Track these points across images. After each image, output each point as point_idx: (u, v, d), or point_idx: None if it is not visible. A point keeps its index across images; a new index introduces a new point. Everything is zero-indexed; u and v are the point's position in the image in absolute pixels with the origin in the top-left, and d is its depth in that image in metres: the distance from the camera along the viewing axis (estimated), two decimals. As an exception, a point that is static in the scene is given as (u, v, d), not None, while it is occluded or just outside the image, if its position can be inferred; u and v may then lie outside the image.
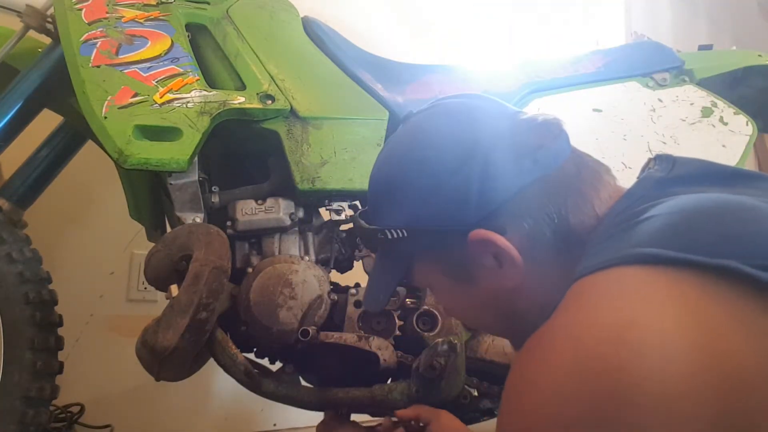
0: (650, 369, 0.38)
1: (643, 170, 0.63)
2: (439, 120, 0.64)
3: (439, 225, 0.60)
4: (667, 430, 0.37)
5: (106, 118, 0.90)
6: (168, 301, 0.89)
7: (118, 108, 0.92)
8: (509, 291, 0.59)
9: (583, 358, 0.41)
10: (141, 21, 1.01)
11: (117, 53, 0.96)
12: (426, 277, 0.66)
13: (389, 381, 0.94)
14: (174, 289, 0.90)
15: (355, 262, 1.07)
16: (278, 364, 1.00)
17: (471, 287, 0.61)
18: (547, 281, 0.58)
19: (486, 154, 0.58)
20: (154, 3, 1.04)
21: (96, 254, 1.51)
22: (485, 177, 0.57)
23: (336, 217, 1.06)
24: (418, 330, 0.93)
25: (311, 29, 1.14)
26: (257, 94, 1.01)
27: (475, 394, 0.95)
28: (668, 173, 0.56)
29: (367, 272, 1.04)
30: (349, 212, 1.08)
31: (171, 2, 1.06)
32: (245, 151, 1.11)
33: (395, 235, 0.62)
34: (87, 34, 0.97)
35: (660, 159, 0.59)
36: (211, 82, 1.03)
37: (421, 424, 0.86)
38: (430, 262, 0.64)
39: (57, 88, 1.07)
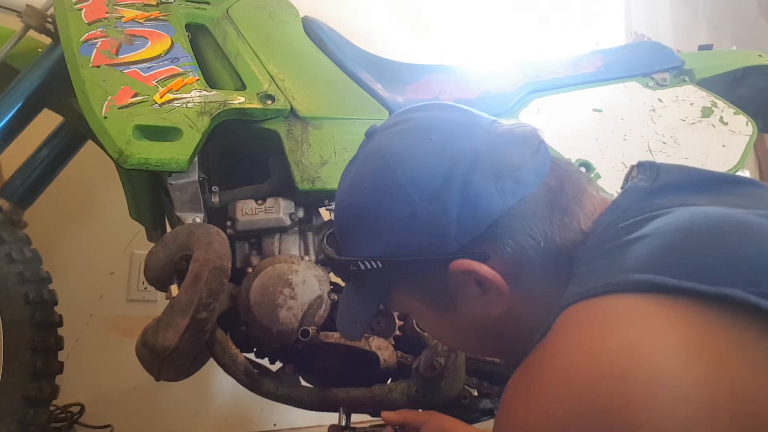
0: (657, 408, 0.35)
1: (626, 179, 0.61)
2: (411, 140, 0.58)
3: (416, 255, 0.55)
4: None
5: (106, 118, 0.90)
6: (168, 301, 0.89)
7: (118, 108, 0.92)
8: (496, 317, 0.56)
9: (577, 396, 0.38)
10: (141, 21, 1.01)
11: (117, 53, 0.96)
12: (405, 305, 0.63)
13: (389, 381, 0.94)
14: (174, 289, 0.90)
15: (355, 262, 1.07)
16: (278, 364, 1.00)
17: (454, 315, 0.58)
18: (537, 304, 0.55)
19: (464, 178, 0.54)
20: (154, 3, 1.04)
21: (96, 254, 1.51)
22: (464, 203, 0.53)
23: (336, 217, 1.06)
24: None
25: (311, 29, 1.14)
26: (257, 94, 1.01)
27: (475, 394, 0.95)
28: (653, 183, 0.54)
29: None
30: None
31: (171, 2, 1.06)
32: (245, 151, 1.11)
33: (369, 266, 0.58)
34: (87, 34, 0.97)
35: (643, 167, 0.57)
36: (211, 82, 1.03)
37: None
38: (409, 291, 0.60)
39: (57, 88, 1.07)
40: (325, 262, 0.66)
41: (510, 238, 0.54)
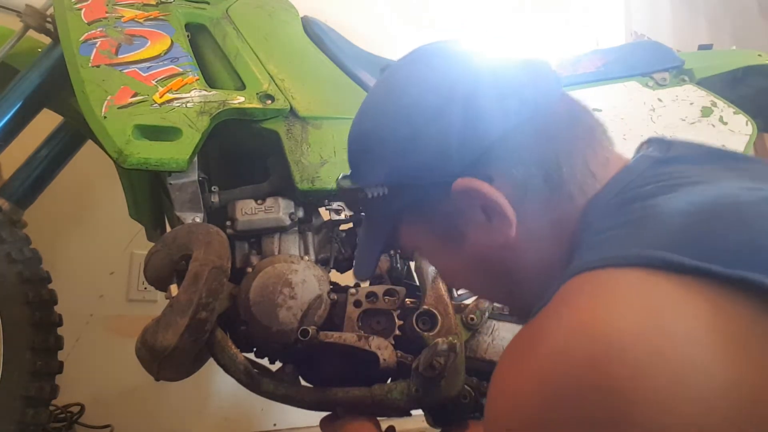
0: (654, 393, 0.34)
1: (637, 152, 0.58)
2: (416, 66, 0.58)
3: (420, 178, 0.55)
4: None
5: (105, 117, 0.90)
6: (168, 301, 0.89)
7: (118, 108, 0.92)
8: (500, 248, 0.54)
9: (572, 369, 0.37)
10: (140, 21, 1.01)
11: (117, 53, 0.96)
12: (413, 238, 0.61)
13: (389, 381, 0.94)
14: (174, 288, 0.90)
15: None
16: (278, 364, 1.00)
17: (460, 246, 0.57)
18: (541, 239, 0.53)
19: (467, 95, 0.53)
20: (154, 3, 1.04)
21: (96, 254, 1.51)
22: (467, 120, 0.52)
23: (336, 217, 1.06)
24: (418, 330, 0.93)
25: (311, 29, 1.14)
26: (257, 93, 1.01)
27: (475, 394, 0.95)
28: (666, 153, 0.53)
29: (366, 272, 1.04)
30: (349, 212, 1.08)
31: (170, 2, 1.06)
32: (245, 151, 1.11)
33: (376, 194, 0.57)
34: (86, 33, 0.97)
35: (654, 141, 0.56)
36: (210, 82, 1.03)
37: None
38: (416, 220, 0.59)
39: (57, 88, 1.07)
40: (340, 196, 0.68)
41: (514, 161, 0.52)
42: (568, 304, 0.41)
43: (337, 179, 0.67)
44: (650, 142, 0.57)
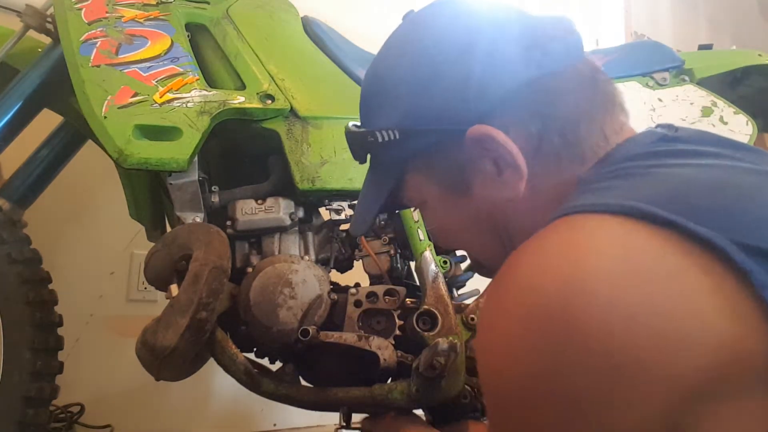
0: (614, 328, 0.36)
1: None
2: (441, 10, 0.57)
3: (434, 123, 0.53)
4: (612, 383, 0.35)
5: (105, 117, 0.90)
6: (168, 301, 0.89)
7: (118, 108, 0.92)
8: (505, 203, 0.53)
9: (535, 300, 0.39)
10: (141, 21, 1.01)
11: (117, 53, 0.96)
12: (418, 189, 0.59)
13: (389, 381, 0.94)
14: (174, 288, 0.90)
15: (355, 262, 1.07)
16: (278, 364, 1.00)
17: (465, 198, 0.56)
18: (546, 197, 0.52)
19: (492, 40, 0.51)
20: (154, 3, 1.04)
21: (96, 254, 1.51)
22: (489, 65, 0.51)
23: (336, 217, 1.06)
24: (418, 330, 0.93)
25: (311, 29, 1.14)
26: (257, 93, 1.01)
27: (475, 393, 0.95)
28: (674, 133, 0.53)
29: (367, 272, 1.04)
30: (349, 212, 1.08)
31: (171, 2, 1.06)
32: (245, 150, 1.11)
33: (386, 138, 0.56)
34: (87, 33, 0.97)
35: (662, 125, 0.56)
36: (211, 82, 1.03)
37: None
38: (424, 170, 0.58)
39: (57, 88, 1.07)
40: (346, 138, 0.64)
41: (531, 113, 0.51)
42: (541, 241, 0.43)
43: (346, 126, 0.65)
44: (659, 125, 0.56)
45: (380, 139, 0.56)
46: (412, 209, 1.00)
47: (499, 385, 0.41)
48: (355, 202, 1.08)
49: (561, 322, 0.37)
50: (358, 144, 0.62)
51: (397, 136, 0.55)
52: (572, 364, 0.37)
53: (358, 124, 0.63)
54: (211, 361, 0.97)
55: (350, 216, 1.07)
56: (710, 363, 0.35)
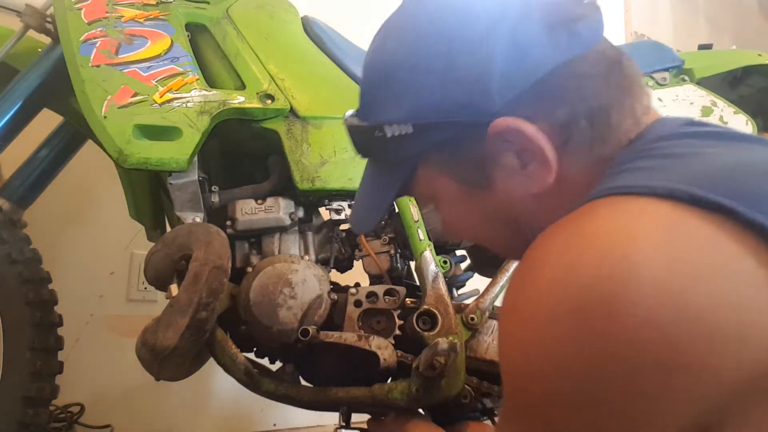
0: (661, 327, 0.33)
1: None
2: None
3: (451, 116, 0.48)
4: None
5: (105, 117, 0.90)
6: (168, 300, 0.89)
7: (118, 107, 0.92)
8: (530, 198, 0.49)
9: (574, 287, 0.36)
10: (141, 21, 1.01)
11: (117, 53, 0.96)
12: (431, 184, 0.55)
13: (389, 380, 0.94)
14: (174, 288, 0.90)
15: (355, 261, 1.07)
16: (278, 364, 1.00)
17: (486, 193, 0.51)
18: (575, 190, 0.48)
19: (512, 26, 0.47)
20: (154, 2, 1.04)
21: (96, 254, 1.51)
22: (511, 52, 0.46)
23: (336, 217, 1.06)
24: (418, 329, 0.93)
25: (311, 29, 1.14)
26: (257, 93, 1.01)
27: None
28: (696, 120, 0.50)
29: (367, 272, 1.04)
30: (350, 212, 1.08)
31: (171, 2, 1.06)
32: (245, 150, 1.11)
33: (397, 133, 0.50)
34: (87, 33, 0.97)
35: (683, 117, 0.53)
36: (210, 82, 1.03)
37: None
38: (438, 164, 0.53)
39: (57, 88, 1.07)
40: (348, 131, 0.59)
41: (560, 99, 0.47)
42: (579, 224, 0.39)
43: (344, 116, 0.59)
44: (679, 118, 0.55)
45: (389, 134, 0.51)
46: (412, 209, 1.00)
47: (527, 379, 0.39)
48: (356, 201, 1.08)
49: (603, 313, 0.34)
50: (362, 139, 0.56)
51: (410, 131, 0.50)
52: (612, 358, 0.34)
53: (352, 112, 0.59)
54: (211, 361, 0.97)
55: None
56: (758, 359, 0.33)
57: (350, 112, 0.58)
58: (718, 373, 0.33)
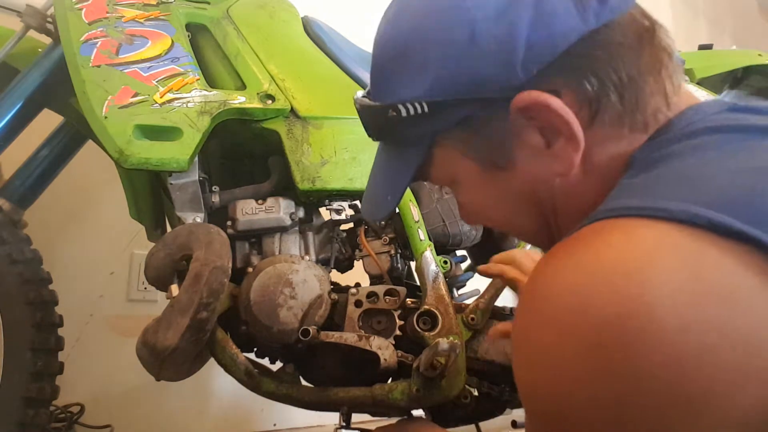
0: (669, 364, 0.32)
1: None
2: None
3: (472, 92, 0.45)
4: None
5: (106, 117, 0.90)
6: (168, 301, 0.89)
7: (119, 108, 0.92)
8: (555, 179, 0.46)
9: (588, 330, 0.34)
10: (141, 21, 1.01)
11: (117, 53, 0.96)
12: (448, 166, 0.52)
13: (390, 381, 0.94)
14: (174, 288, 0.90)
15: (355, 262, 1.07)
16: (279, 364, 1.00)
17: (507, 174, 0.48)
18: (601, 171, 0.45)
19: None
20: (155, 3, 1.04)
21: (96, 254, 1.51)
22: (537, 21, 0.43)
23: (336, 217, 1.06)
24: (419, 330, 0.93)
25: (311, 29, 1.14)
26: (257, 93, 1.01)
27: (475, 393, 0.95)
28: (743, 103, 0.46)
29: (367, 272, 1.04)
30: (350, 212, 1.08)
31: (171, 2, 1.06)
32: (245, 150, 1.11)
33: (412, 112, 0.47)
34: (87, 33, 0.97)
35: (731, 94, 0.51)
36: (211, 82, 1.03)
37: None
38: (456, 144, 0.49)
39: (57, 88, 1.07)
40: (359, 112, 0.56)
41: (589, 71, 0.43)
42: (591, 250, 0.37)
43: (354, 97, 0.56)
44: (726, 93, 0.52)
45: (404, 114, 0.48)
46: (413, 209, 1.00)
47: (545, 408, 0.37)
48: (356, 202, 1.08)
49: (620, 349, 0.33)
50: (375, 120, 0.53)
51: (427, 110, 0.47)
52: (631, 393, 0.33)
53: (363, 93, 0.55)
54: (212, 361, 0.97)
55: (351, 215, 1.07)
56: None
57: (360, 93, 0.56)
58: (743, 410, 0.32)
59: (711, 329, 0.32)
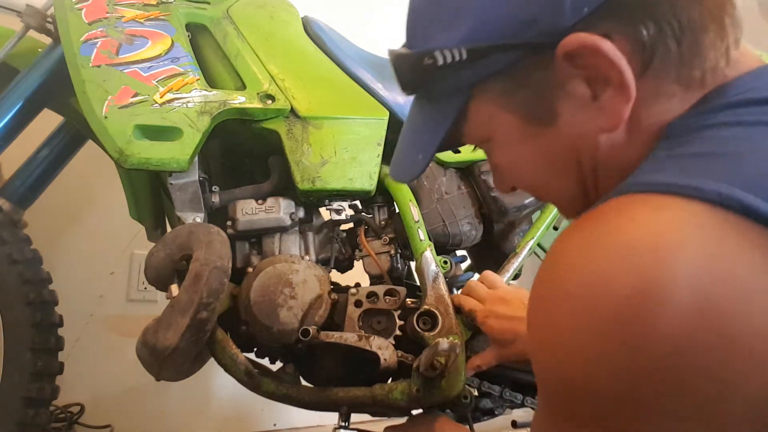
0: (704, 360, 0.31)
1: None
2: None
3: (514, 37, 0.42)
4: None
5: (106, 117, 0.90)
6: (168, 301, 0.89)
7: (119, 108, 0.92)
8: (600, 135, 0.43)
9: (611, 310, 0.33)
10: (141, 21, 1.01)
11: (117, 53, 0.96)
12: (486, 121, 0.48)
13: (390, 381, 0.94)
14: (174, 288, 0.90)
15: (355, 262, 1.07)
16: (279, 364, 1.00)
17: (548, 129, 0.45)
18: (651, 132, 0.42)
19: None
20: (155, 3, 1.04)
21: (96, 254, 1.51)
22: None
23: (336, 217, 1.06)
24: (419, 330, 0.93)
25: (311, 29, 1.14)
26: (257, 93, 1.01)
27: (476, 394, 0.95)
28: None
29: (367, 272, 1.04)
30: (350, 212, 1.08)
31: (171, 2, 1.06)
32: (245, 150, 1.11)
33: (449, 59, 0.44)
34: (87, 33, 0.97)
35: None
36: (211, 82, 1.03)
37: None
38: (495, 97, 0.46)
39: (57, 88, 1.07)
40: (393, 63, 0.52)
41: (642, 13, 0.39)
42: (613, 226, 0.35)
43: (389, 50, 0.52)
44: None
45: (441, 62, 0.44)
46: (413, 209, 1.00)
47: (559, 376, 0.37)
48: (356, 202, 1.08)
49: (636, 326, 0.32)
50: (410, 69, 0.48)
51: (465, 57, 0.43)
52: (646, 371, 0.32)
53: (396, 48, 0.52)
54: (211, 361, 0.97)
55: (351, 215, 1.07)
56: None
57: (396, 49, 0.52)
58: (760, 400, 0.31)
59: (726, 316, 0.31)
